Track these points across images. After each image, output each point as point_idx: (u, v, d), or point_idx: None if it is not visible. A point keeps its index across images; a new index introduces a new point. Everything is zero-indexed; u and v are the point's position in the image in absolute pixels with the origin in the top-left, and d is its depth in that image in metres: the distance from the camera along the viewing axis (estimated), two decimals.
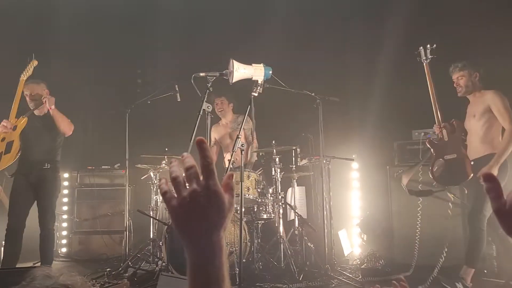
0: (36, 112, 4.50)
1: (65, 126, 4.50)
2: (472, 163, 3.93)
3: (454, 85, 4.10)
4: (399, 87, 5.43)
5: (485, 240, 3.86)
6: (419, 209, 4.55)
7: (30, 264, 4.75)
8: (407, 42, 4.97)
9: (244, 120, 3.17)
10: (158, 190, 5.00)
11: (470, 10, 4.97)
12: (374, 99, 5.52)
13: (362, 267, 4.55)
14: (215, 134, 5.60)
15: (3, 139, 4.41)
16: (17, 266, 4.41)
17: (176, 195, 0.83)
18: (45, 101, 4.34)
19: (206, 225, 0.81)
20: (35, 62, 4.50)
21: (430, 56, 4.15)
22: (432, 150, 4.15)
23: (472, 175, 3.84)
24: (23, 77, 4.43)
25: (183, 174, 0.84)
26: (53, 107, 4.35)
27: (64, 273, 1.13)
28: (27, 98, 4.48)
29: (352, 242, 5.43)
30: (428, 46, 4.16)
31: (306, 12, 6.12)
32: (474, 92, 4.06)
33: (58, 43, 6.44)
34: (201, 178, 0.82)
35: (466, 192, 4.30)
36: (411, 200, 4.70)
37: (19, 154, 4.51)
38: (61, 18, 6.38)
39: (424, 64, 4.16)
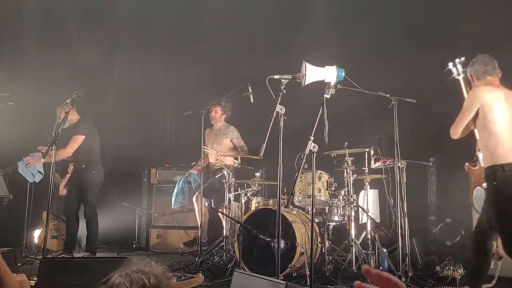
0: None
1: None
2: None
3: None
4: None
5: None
6: None
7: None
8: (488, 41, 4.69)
9: (316, 124, 3.14)
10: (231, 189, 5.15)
11: None
12: (455, 99, 5.25)
13: (439, 275, 4.35)
14: (207, 137, 5.75)
15: None
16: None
17: None
18: None
19: None
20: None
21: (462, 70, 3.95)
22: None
23: None
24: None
25: None
26: None
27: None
28: None
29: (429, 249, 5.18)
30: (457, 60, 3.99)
31: (380, 12, 5.97)
32: None
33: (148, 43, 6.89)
34: None
35: None
36: None
37: None
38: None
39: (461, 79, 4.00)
